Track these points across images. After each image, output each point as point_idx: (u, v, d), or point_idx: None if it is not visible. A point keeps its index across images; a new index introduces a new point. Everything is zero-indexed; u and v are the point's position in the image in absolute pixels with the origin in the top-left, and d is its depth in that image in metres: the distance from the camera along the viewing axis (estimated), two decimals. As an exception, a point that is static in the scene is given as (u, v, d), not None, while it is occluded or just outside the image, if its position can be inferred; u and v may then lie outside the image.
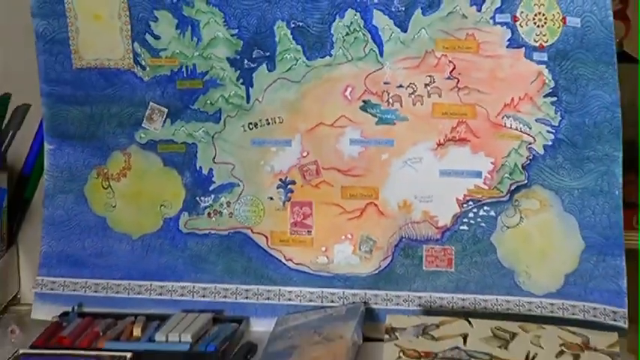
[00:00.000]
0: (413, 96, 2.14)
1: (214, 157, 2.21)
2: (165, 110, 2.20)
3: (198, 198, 2.22)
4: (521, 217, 2.13)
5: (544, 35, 2.05)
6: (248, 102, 2.18)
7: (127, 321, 2.16)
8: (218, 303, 2.21)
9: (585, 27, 2.01)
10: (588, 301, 2.08)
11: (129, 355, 2.01)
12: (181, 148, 2.22)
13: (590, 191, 2.08)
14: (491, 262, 2.14)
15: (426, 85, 2.13)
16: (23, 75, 2.25)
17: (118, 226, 2.24)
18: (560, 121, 2.08)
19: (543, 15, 2.04)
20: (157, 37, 2.18)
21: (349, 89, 2.16)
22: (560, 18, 2.03)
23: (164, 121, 2.21)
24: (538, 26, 2.05)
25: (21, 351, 2.03)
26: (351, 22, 2.13)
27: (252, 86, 2.18)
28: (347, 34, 2.13)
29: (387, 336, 1.99)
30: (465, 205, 2.15)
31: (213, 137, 2.20)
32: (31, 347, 2.06)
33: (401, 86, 2.14)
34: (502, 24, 2.07)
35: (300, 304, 2.18)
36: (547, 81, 2.07)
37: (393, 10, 2.10)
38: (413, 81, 2.13)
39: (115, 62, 2.20)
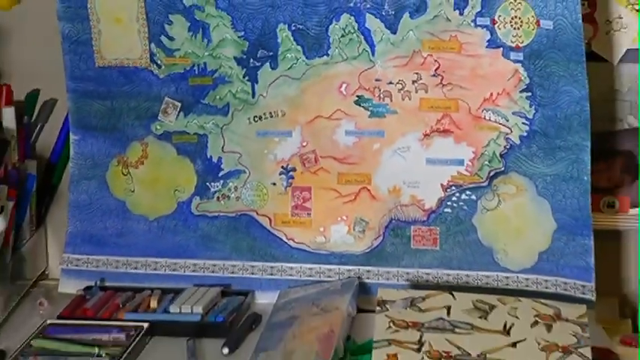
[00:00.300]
0: (402, 91, 2.14)
1: (223, 147, 2.21)
2: (179, 104, 2.20)
3: (208, 183, 2.22)
4: (499, 200, 2.13)
5: (520, 37, 2.05)
6: (253, 97, 2.18)
7: (144, 294, 2.16)
8: (226, 278, 2.21)
9: (557, 29, 2.01)
10: (560, 276, 2.09)
11: (146, 325, 2.01)
12: (193, 138, 2.22)
13: (561, 177, 2.08)
14: (472, 241, 2.15)
15: (414, 81, 2.13)
16: (51, 73, 2.24)
17: (136, 209, 2.24)
18: (535, 114, 2.08)
19: (519, 18, 2.04)
20: (171, 39, 2.17)
21: (344, 85, 2.15)
22: (535, 21, 2.03)
23: (178, 114, 2.21)
24: (514, 28, 2.05)
25: (49, 321, 2.04)
26: (346, 25, 2.12)
27: (256, 83, 2.18)
28: (342, 35, 2.13)
29: (378, 308, 1.98)
30: (448, 190, 2.15)
31: (222, 129, 2.20)
32: (58, 318, 2.07)
33: (391, 83, 2.13)
34: (482, 26, 2.07)
35: (300, 279, 2.19)
36: (522, 78, 2.07)
37: (384, 14, 2.10)
38: (402, 78, 2.13)
39: (133, 61, 2.19)
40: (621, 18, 2.10)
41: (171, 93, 2.20)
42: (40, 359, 1.90)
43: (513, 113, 2.09)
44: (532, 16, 2.03)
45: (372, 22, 2.11)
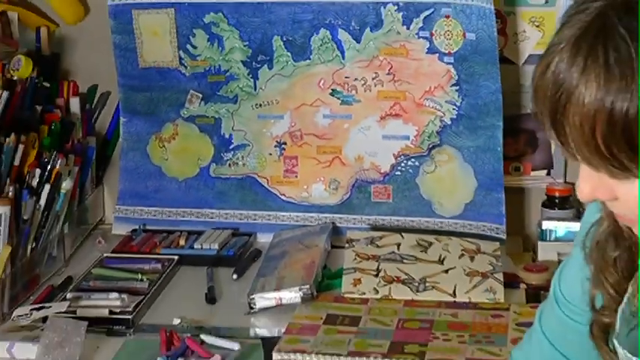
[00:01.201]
0: (364, 86, 2.13)
1: (233, 127, 2.20)
2: (200, 95, 2.19)
3: (222, 154, 2.21)
4: (435, 166, 2.13)
5: (451, 45, 2.05)
6: (255, 90, 2.17)
7: (175, 235, 2.17)
8: (235, 223, 2.21)
9: (478, 40, 2.02)
10: (480, 221, 2.10)
11: (176, 257, 2.03)
12: (211, 120, 2.20)
13: (481, 148, 2.09)
14: (416, 195, 2.14)
15: (373, 78, 2.12)
16: (106, 72, 2.23)
17: (169, 173, 2.23)
18: (461, 102, 2.08)
19: (450, 32, 2.04)
20: (194, 47, 2.16)
21: (322, 81, 2.14)
22: (462, 34, 2.03)
23: (199, 103, 2.20)
24: (447, 39, 2.05)
25: (104, 255, 2.06)
26: (324, 37, 2.11)
27: (257, 79, 2.16)
28: (321, 45, 2.12)
29: (347, 245, 2.01)
30: (398, 158, 2.14)
31: (232, 113, 2.19)
32: (112, 252, 2.08)
33: (356, 79, 2.13)
34: (423, 38, 2.07)
35: (290, 224, 2.18)
36: (453, 76, 2.07)
37: (351, 28, 2.09)
38: (364, 76, 2.12)
39: (166, 63, 2.18)
40: (525, 32, 2.10)
41: (195, 87, 2.19)
42: (97, 283, 1.91)
43: (446, 102, 2.09)
44: (460, 30, 2.03)
45: (343, 35, 2.10)
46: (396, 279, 1.88)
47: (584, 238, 1.23)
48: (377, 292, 1.86)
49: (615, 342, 1.18)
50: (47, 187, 1.91)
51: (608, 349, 1.21)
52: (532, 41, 2.13)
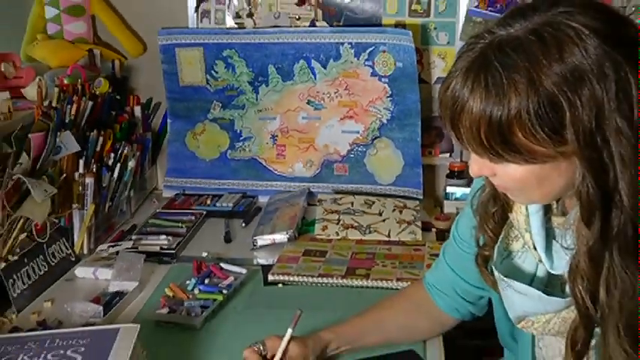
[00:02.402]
0: (329, 98, 2.12)
1: (242, 125, 2.17)
2: (220, 104, 2.17)
3: (235, 143, 2.19)
4: (376, 150, 2.12)
5: (387, 70, 2.04)
6: (257, 100, 2.15)
7: (203, 197, 2.14)
8: (244, 189, 2.19)
9: (404, 67, 2.01)
10: (406, 187, 2.09)
11: (204, 212, 2.02)
12: (227, 120, 2.18)
13: (406, 139, 2.08)
14: (364, 171, 2.13)
15: (335, 92, 2.11)
16: (158, 89, 2.22)
17: (200, 155, 2.21)
18: (394, 108, 2.06)
19: (386, 61, 2.03)
20: (216, 72, 2.14)
21: (301, 95, 2.13)
22: (394, 62, 2.02)
23: (220, 109, 2.18)
24: (384, 66, 2.03)
25: (157, 210, 2.04)
26: (302, 65, 2.10)
27: (258, 93, 2.15)
28: (300, 70, 2.10)
29: (317, 203, 2.01)
30: (352, 146, 2.13)
31: (241, 116, 2.17)
32: (162, 209, 2.07)
33: (324, 93, 2.11)
34: (368, 66, 2.06)
35: (280, 190, 2.17)
36: (388, 91, 2.06)
37: (320, 59, 2.08)
38: (329, 91, 2.11)
39: (197, 83, 2.16)
40: (434, 62, 2.09)
41: (216, 99, 2.17)
42: (152, 229, 1.90)
43: (383, 108, 2.07)
44: (392, 60, 2.02)
45: (315, 64, 2.09)
46: (350, 226, 1.89)
47: (473, 199, 1.24)
48: (338, 234, 1.86)
49: (492, 267, 1.18)
50: (118, 165, 1.90)
51: (487, 272, 1.22)
52: (439, 69, 2.11)
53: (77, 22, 2.19)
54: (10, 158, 1.58)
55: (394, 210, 1.95)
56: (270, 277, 1.63)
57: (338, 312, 1.44)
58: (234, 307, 1.53)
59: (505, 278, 1.15)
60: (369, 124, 2.11)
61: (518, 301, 1.15)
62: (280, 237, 1.83)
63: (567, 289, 1.10)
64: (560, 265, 1.11)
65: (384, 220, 1.90)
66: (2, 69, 1.89)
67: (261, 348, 1.26)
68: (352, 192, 2.10)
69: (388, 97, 2.07)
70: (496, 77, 0.96)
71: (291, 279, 1.63)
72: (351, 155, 2.14)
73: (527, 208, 1.15)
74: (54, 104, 1.83)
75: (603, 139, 0.96)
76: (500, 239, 1.19)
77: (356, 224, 1.89)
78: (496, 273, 1.17)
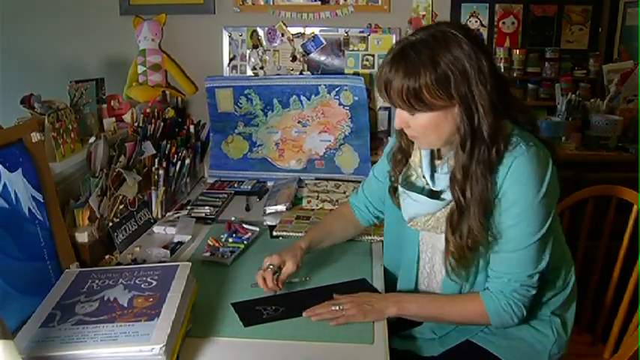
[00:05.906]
0: (312, 119, 2.13)
1: (257, 137, 2.18)
2: (243, 123, 2.17)
3: (252, 148, 2.18)
4: (342, 152, 2.12)
5: (347, 102, 2.06)
6: (266, 121, 2.15)
7: (232, 182, 2.10)
8: (258, 177, 2.17)
9: (359, 100, 2.03)
10: (360, 175, 2.06)
11: (233, 192, 1.99)
12: (248, 134, 2.18)
13: (361, 145, 2.08)
14: (334, 164, 2.12)
15: (315, 116, 2.12)
16: (204, 114, 2.21)
17: (230, 155, 2.19)
18: (352, 126, 2.08)
19: (348, 97, 2.05)
20: (240, 103, 2.14)
21: (294, 117, 2.13)
22: (352, 97, 2.04)
23: (243, 127, 2.18)
24: (346, 99, 2.06)
25: (203, 190, 2.01)
26: (295, 99, 2.11)
27: (267, 117, 2.15)
28: (294, 101, 2.11)
29: (304, 186, 1.98)
30: (326, 150, 2.14)
31: (257, 131, 2.17)
32: (207, 190, 2.04)
33: (309, 117, 2.12)
34: (336, 99, 2.07)
35: (280, 178, 2.14)
36: (349, 115, 2.08)
37: (306, 95, 2.09)
38: (312, 115, 2.12)
39: (229, 110, 2.16)
40: (377, 97, 2.12)
41: (240, 120, 2.16)
42: (201, 202, 1.88)
43: (346, 125, 2.09)
44: (351, 95, 2.04)
45: (303, 98, 2.10)
46: (325, 200, 1.86)
47: (389, 152, 1.30)
48: (317, 205, 1.83)
49: (398, 188, 1.24)
50: (179, 162, 1.91)
51: (395, 196, 1.27)
52: (381, 101, 2.17)
53: (156, 74, 2.31)
54: (114, 158, 1.64)
55: (353, 189, 1.92)
56: (275, 233, 1.61)
57: (315, 251, 1.47)
58: (251, 251, 1.52)
59: (406, 191, 1.22)
60: (337, 135, 2.13)
61: (411, 205, 1.21)
62: (281, 207, 1.79)
63: (441, 197, 1.17)
64: (440, 184, 1.19)
65: (347, 196, 1.90)
66: (112, 104, 1.94)
67: (272, 266, 1.28)
68: (327, 179, 2.09)
69: (349, 118, 2.10)
70: (410, 62, 1.05)
71: (288, 234, 1.61)
72: (326, 155, 2.14)
73: (421, 153, 1.21)
74: (140, 124, 1.87)
75: (472, 96, 1.06)
76: (402, 173, 1.26)
77: (329, 199, 1.86)
78: (400, 188, 1.23)
